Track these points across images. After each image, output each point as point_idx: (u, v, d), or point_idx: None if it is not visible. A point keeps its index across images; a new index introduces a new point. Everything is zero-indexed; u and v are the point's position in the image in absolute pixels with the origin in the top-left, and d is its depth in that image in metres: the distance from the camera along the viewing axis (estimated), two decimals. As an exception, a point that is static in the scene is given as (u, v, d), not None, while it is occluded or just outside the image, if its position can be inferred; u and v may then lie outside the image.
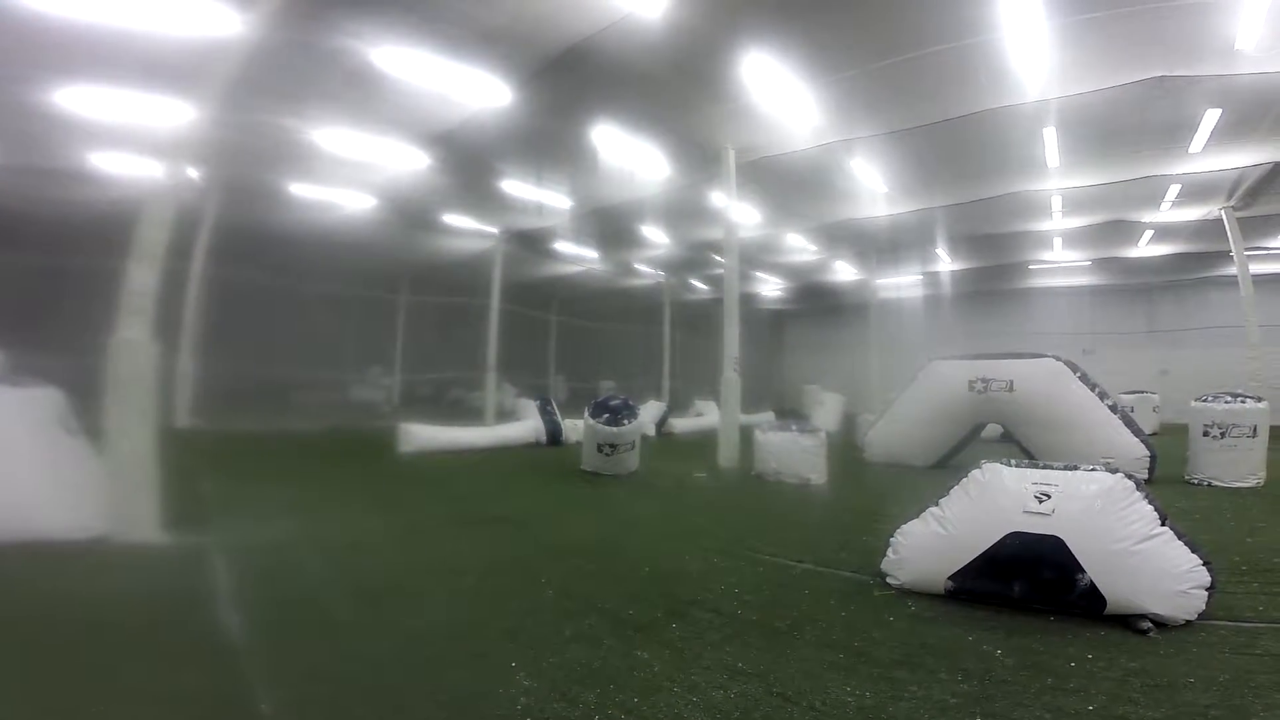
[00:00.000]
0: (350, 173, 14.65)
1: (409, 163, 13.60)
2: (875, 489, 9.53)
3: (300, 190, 15.79)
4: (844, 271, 24.97)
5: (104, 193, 14.65)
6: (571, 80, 9.97)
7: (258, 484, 8.18)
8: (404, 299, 24.19)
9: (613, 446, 9.79)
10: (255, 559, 4.95)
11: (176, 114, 11.10)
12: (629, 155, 12.70)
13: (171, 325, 12.18)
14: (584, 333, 29.09)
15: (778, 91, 10.13)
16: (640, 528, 6.78)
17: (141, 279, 5.20)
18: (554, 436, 13.61)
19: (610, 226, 18.20)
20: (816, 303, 30.41)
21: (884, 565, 4.72)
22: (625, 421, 9.88)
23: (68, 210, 15.15)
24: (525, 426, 13.58)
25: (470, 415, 17.25)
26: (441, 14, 8.49)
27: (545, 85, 10.15)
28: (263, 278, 17.17)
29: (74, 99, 11.05)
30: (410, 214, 17.22)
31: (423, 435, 11.60)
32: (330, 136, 12.53)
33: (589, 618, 3.93)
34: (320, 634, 3.66)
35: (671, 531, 6.56)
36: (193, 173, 13.25)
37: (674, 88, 10.23)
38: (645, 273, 25.19)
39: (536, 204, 16.22)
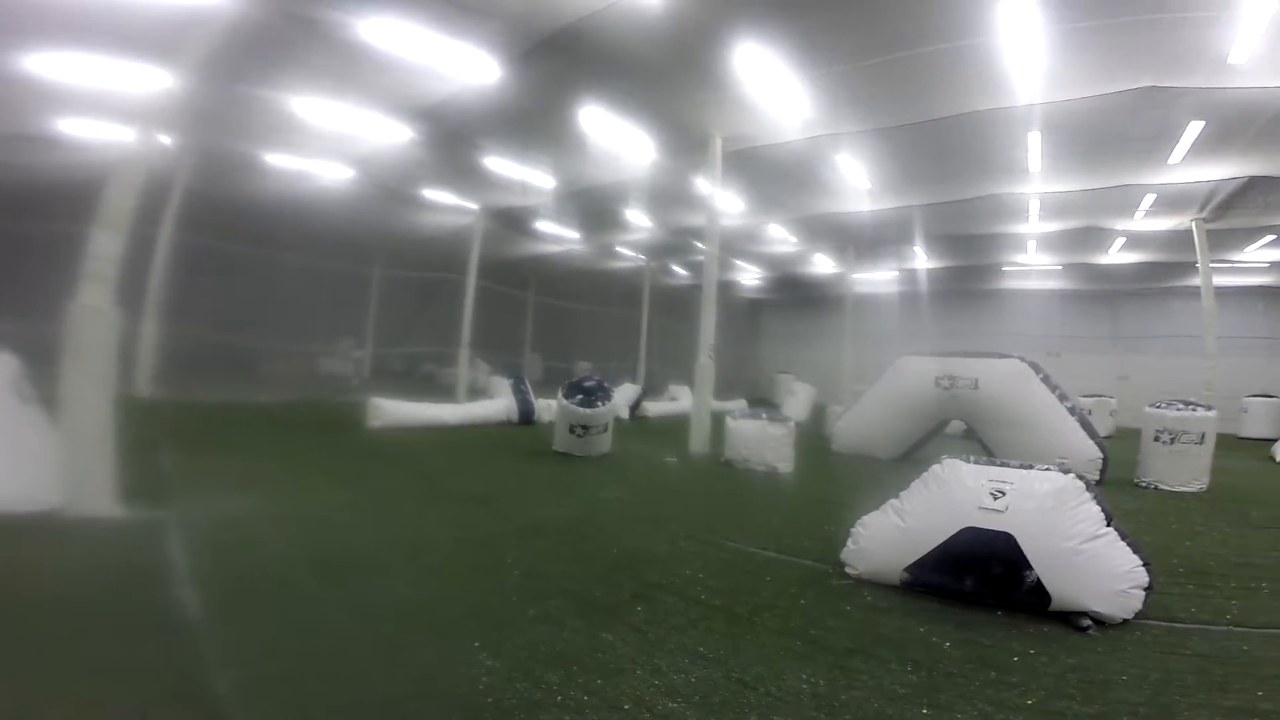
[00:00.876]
0: (329, 144, 14.31)
1: (390, 136, 13.34)
2: (840, 480, 9.73)
3: (277, 160, 15.39)
4: (822, 264, 25.19)
5: (71, 157, 14.14)
6: (563, 60, 9.86)
7: (220, 456, 8.03)
8: (378, 272, 23.82)
9: (585, 428, 9.82)
10: (215, 533, 4.88)
11: (151, 80, 10.91)
12: (615, 138, 12.60)
13: (136, 292, 11.85)
14: (561, 313, 28.96)
15: (769, 82, 10.13)
16: (609, 510, 6.83)
17: (106, 245, 5.05)
18: (526, 416, 13.59)
19: (593, 208, 18.09)
20: (794, 294, 30.67)
21: (844, 555, 4.85)
22: (599, 403, 9.91)
23: (32, 175, 14.59)
24: (497, 405, 13.55)
25: (442, 391, 17.14)
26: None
27: (535, 63, 10.01)
28: (234, 247, 16.73)
29: (45, 64, 10.61)
30: (389, 187, 16.91)
31: (392, 410, 11.50)
32: (311, 107, 12.23)
33: (555, 599, 3.96)
34: (280, 609, 3.64)
35: (640, 515, 6.62)
36: (165, 139, 12.84)
37: (666, 73, 10.17)
38: (626, 256, 25.13)
39: (519, 182, 16.05)
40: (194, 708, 2.60)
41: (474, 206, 18.44)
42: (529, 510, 6.51)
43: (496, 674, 2.97)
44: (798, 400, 18.98)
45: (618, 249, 23.96)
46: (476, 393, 17.68)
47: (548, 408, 13.48)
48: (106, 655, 2.90)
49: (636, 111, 11.73)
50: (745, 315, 33.09)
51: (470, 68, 10.19)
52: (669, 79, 10.37)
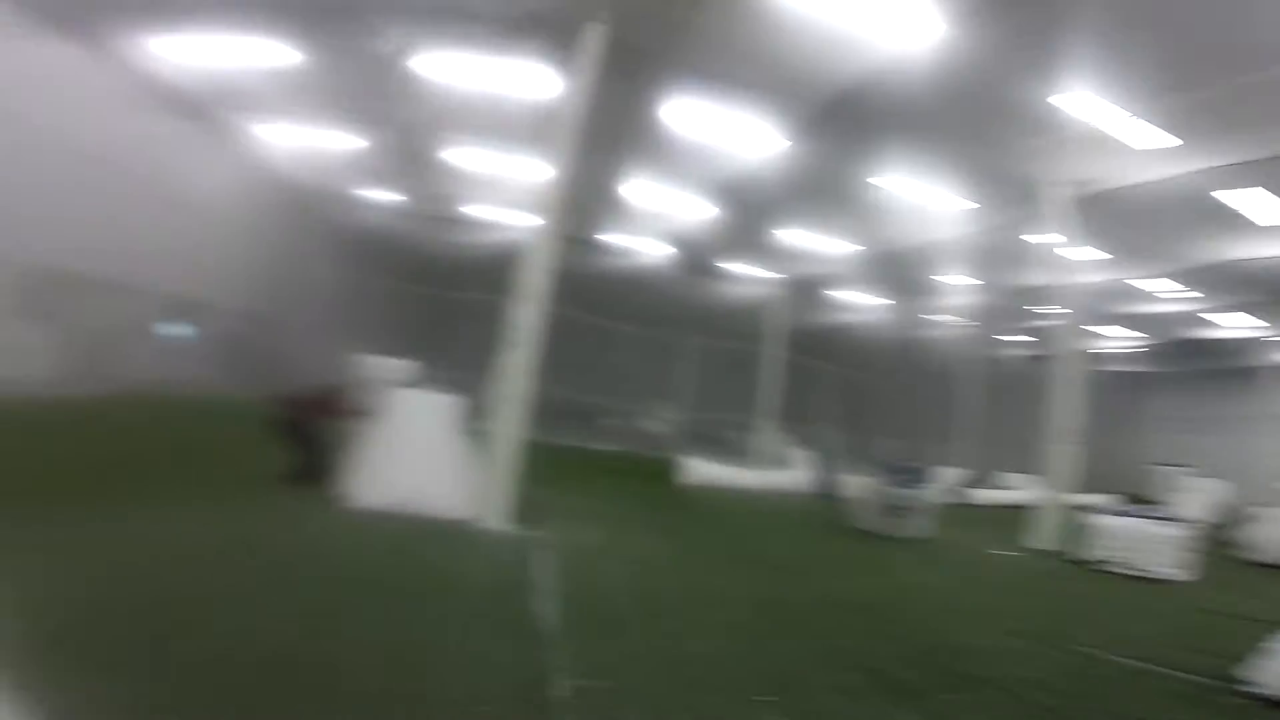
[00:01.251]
0: (650, 223, 16.40)
1: (697, 212, 14.71)
2: (1249, 591, 7.63)
3: (609, 238, 18.18)
4: (1231, 324, 19.47)
5: (480, 237, 18.73)
6: (848, 124, 9.87)
7: (573, 492, 9.33)
8: (691, 341, 25.81)
9: (899, 509, 9.10)
10: (567, 558, 5.60)
11: (528, 168, 14.13)
12: (918, 196, 11.89)
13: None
14: (866, 385, 27.47)
15: (1105, 116, 8.64)
16: (923, 594, 6.31)
17: (527, 314, 6.43)
18: (829, 489, 13.05)
19: (899, 272, 17.12)
20: (1188, 364, 24.25)
21: (1248, 670, 3.88)
22: (917, 484, 9.27)
23: (455, 250, 19.65)
24: (800, 476, 13.30)
25: (741, 457, 17.44)
26: (714, 70, 9.17)
27: (820, 131, 10.23)
28: (577, 314, 19.86)
29: (457, 156, 14.26)
30: (698, 261, 18.47)
31: (700, 470, 12.16)
32: (632, 189, 14.23)
33: (853, 672, 3.82)
34: (609, 634, 4.00)
35: (962, 606, 5.94)
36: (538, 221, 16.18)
37: (972, 122, 9.44)
38: (943, 322, 22.98)
39: (814, 250, 16.12)
40: (530, 705, 2.94)
41: (772, 276, 18.94)
42: (831, 582, 6.29)
43: None
44: (1194, 498, 14.78)
45: (932, 315, 22.06)
46: (776, 462, 17.65)
47: (851, 483, 13.01)
48: (479, 645, 3.48)
49: (941, 166, 10.98)
50: (1115, 391, 27.19)
51: (759, 141, 10.79)
52: (976, 128, 9.59)
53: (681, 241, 17.23)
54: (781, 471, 13.99)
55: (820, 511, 11.21)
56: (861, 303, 20.65)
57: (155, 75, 11.86)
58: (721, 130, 10.88)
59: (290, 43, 10.33)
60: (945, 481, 14.15)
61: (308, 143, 15.19)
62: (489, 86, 10.67)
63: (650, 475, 12.98)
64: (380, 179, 17.51)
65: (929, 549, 8.81)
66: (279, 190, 18.13)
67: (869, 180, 11.87)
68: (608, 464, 14.44)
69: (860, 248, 15.87)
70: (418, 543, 5.37)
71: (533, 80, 10.16)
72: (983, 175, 11.11)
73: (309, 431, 6.81)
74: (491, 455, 6.34)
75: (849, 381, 27.46)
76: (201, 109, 13.49)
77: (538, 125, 11.01)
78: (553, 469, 11.12)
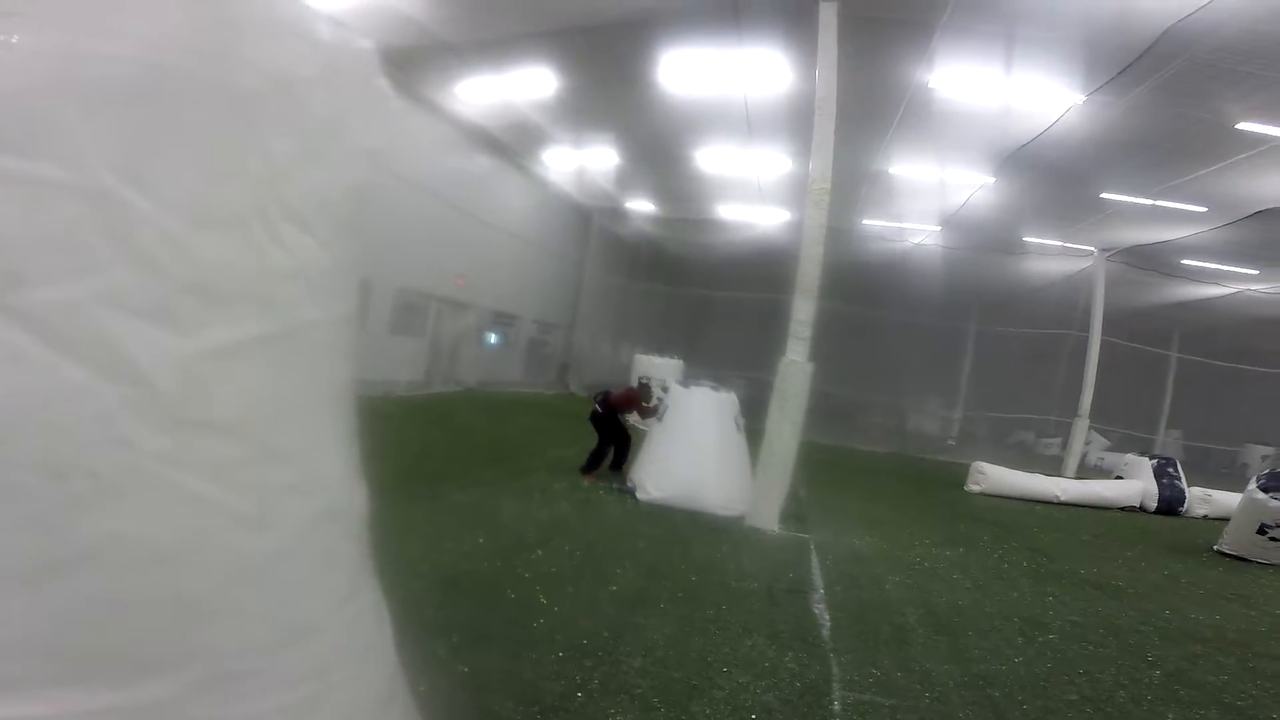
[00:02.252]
0: (920, 204, 14.93)
1: (974, 186, 13.00)
2: None
3: (872, 224, 16.98)
4: None
5: (729, 236, 19.09)
6: (1167, 73, 7.84)
7: (841, 494, 9.06)
8: (974, 328, 22.92)
9: (1285, 532, 6.99)
10: (843, 564, 5.46)
11: (776, 164, 13.97)
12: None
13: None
14: (1221, 376, 21.51)
15: None
16: None
17: (803, 309, 6.41)
18: (1171, 505, 10.61)
19: (1276, 235, 13.03)
20: None
21: None
22: None
23: (708, 252, 20.28)
24: (1129, 487, 10.97)
25: (1038, 463, 15.02)
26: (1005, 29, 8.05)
27: (1130, 84, 8.23)
28: (839, 307, 19.03)
29: (708, 160, 14.62)
30: (977, 238, 16.33)
31: (996, 476, 10.74)
32: (901, 170, 13.08)
33: (1208, 709, 3.40)
34: (893, 648, 3.79)
35: None
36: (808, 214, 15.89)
37: None
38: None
39: (1147, 212, 13.06)
40: (810, 716, 2.88)
41: (1090, 249, 15.88)
42: (1179, 610, 5.22)
43: None
44: None
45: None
46: (1087, 469, 14.90)
47: (1203, 498, 10.71)
48: (762, 652, 3.51)
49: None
50: None
51: (1051, 102, 9.30)
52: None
53: (963, 219, 15.38)
54: (1105, 482, 11.69)
55: (1163, 531, 9.18)
56: (1215, 271, 16.26)
57: (460, 117, 14.24)
58: (999, 92, 9.51)
59: (552, 70, 11.58)
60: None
61: (579, 163, 16.97)
62: (733, 84, 10.78)
63: (927, 479, 11.93)
64: (642, 190, 18.81)
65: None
66: (562, 210, 20.60)
67: (1210, 127, 9.33)
68: (878, 465, 13.59)
69: (1205, 208, 12.48)
70: (694, 538, 5.64)
71: (776, 70, 10.05)
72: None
73: (619, 424, 7.63)
74: (766, 454, 6.35)
75: (1193, 372, 21.83)
76: (497, 143, 15.89)
77: (788, 116, 10.87)
78: (822, 470, 10.85)
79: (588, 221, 21.69)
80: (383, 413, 10.05)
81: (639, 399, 7.73)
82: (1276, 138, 9.52)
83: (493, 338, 18.87)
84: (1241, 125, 9.38)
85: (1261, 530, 7.32)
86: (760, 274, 15.74)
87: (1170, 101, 9.03)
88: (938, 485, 11.25)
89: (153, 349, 0.99)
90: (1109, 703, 3.34)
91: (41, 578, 0.95)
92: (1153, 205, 12.79)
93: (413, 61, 11.58)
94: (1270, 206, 11.58)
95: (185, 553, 1.04)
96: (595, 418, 7.61)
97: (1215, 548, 7.77)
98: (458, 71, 12.11)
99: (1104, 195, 13.00)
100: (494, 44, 10.81)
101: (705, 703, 2.90)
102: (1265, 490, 7.38)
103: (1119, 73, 8.46)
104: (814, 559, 5.48)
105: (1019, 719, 3.06)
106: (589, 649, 3.26)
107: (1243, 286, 17.02)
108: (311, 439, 1.24)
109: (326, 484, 1.27)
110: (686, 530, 5.84)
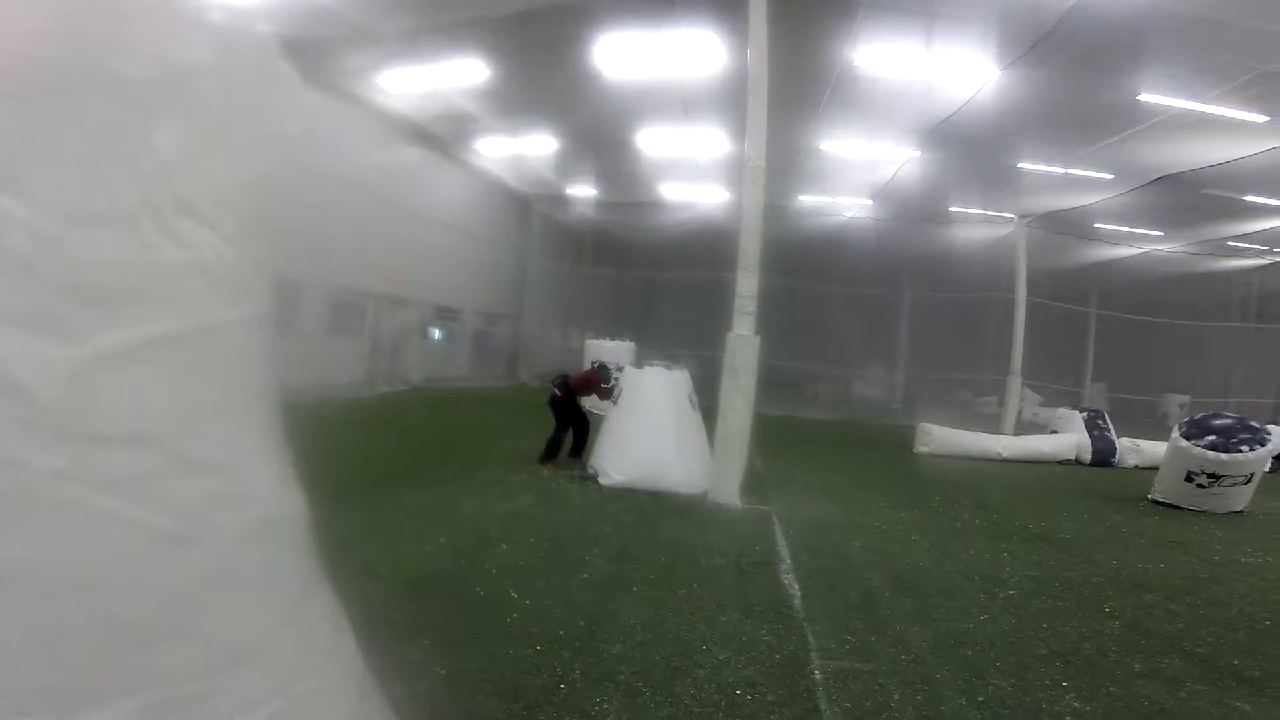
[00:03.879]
0: (851, 179, 15.31)
1: (899, 160, 13.40)
2: None
3: (807, 200, 17.29)
4: None
5: (681, 216, 19.12)
6: (1074, 47, 8.27)
7: (797, 464, 9.22)
8: (908, 296, 23.70)
9: (1213, 477, 7.47)
10: (806, 533, 5.53)
11: (714, 143, 14.01)
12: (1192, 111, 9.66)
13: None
14: (1138, 331, 22.95)
15: None
16: (1255, 577, 5.25)
17: (746, 284, 6.42)
18: (1104, 456, 11.26)
19: (1178, 199, 13.95)
20: None
21: None
22: (1245, 448, 7.43)
23: (652, 234, 20.27)
24: (1064, 441, 11.59)
25: (978, 422, 15.73)
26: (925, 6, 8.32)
27: (1042, 58, 8.72)
28: (784, 281, 19.32)
29: (644, 141, 14.54)
30: (906, 209, 16.91)
31: (941, 436, 11.15)
32: (832, 146, 13.33)
33: (1170, 657, 3.51)
34: (864, 613, 3.85)
35: None
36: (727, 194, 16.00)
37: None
38: (1249, 251, 18.40)
39: (1061, 180, 13.78)
40: (790, 687, 2.91)
41: (1010, 216, 16.62)
42: (1127, 561, 5.46)
43: (1085, 717, 2.83)
44: None
45: (1234, 244, 17.75)
46: (1024, 425, 15.67)
47: (1132, 449, 11.28)
48: (739, 627, 3.52)
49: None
50: None
51: (967, 77, 9.68)
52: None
53: (892, 192, 15.84)
54: (1043, 437, 12.31)
55: (1099, 482, 9.72)
56: (1127, 236, 17.29)
57: (388, 110, 13.70)
58: (921, 69, 9.83)
59: (482, 59, 11.31)
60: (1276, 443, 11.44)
61: (516, 151, 16.59)
62: (667, 66, 10.76)
63: (877, 444, 12.30)
64: (582, 175, 18.58)
65: (1256, 525, 7.20)
66: (500, 199, 20.14)
67: (1115, 98, 9.91)
68: (826, 433, 13.94)
69: (1113, 175, 13.24)
70: (659, 518, 5.64)
71: (709, 51, 10.10)
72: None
73: (578, 408, 7.55)
74: (721, 429, 6.38)
75: (1112, 327, 23.25)
76: (428, 134, 15.37)
77: (722, 96, 10.91)
78: (776, 441, 11.02)
79: (528, 209, 21.29)
80: (325, 417, 9.64)
81: (598, 380, 7.66)
82: (1173, 108, 10.15)
83: (436, 333, 18.37)
84: (1142, 96, 9.95)
85: (1189, 478, 7.72)
86: (705, 253, 15.84)
87: (1078, 75, 9.51)
88: (887, 449, 11.61)
89: (32, 358, 0.91)
90: (1076, 655, 3.45)
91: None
92: (1065, 174, 13.48)
93: (333, 52, 11.06)
94: (1169, 173, 12.39)
95: (108, 575, 0.98)
96: (554, 402, 7.50)
97: (1149, 497, 8.17)
98: (381, 62, 11.62)
99: (1020, 165, 13.62)
100: (418, 33, 10.40)
101: (689, 683, 2.88)
102: (1188, 438, 7.78)
103: (1030, 47, 8.85)
104: (777, 530, 5.55)
105: (996, 676, 3.13)
106: (566, 639, 3.19)
107: (1151, 247, 18.18)
108: (234, 446, 1.15)
109: (257, 493, 1.18)
110: (651, 511, 5.82)
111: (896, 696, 2.87)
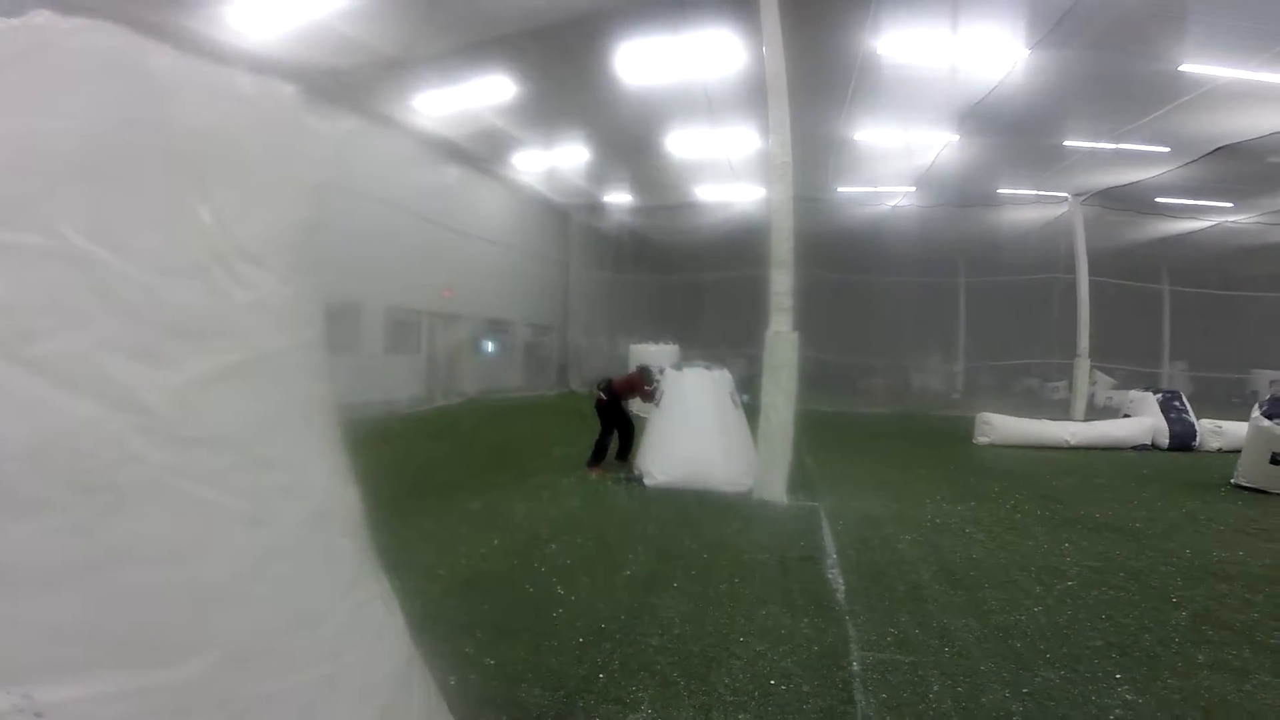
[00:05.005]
0: (891, 167, 14.97)
1: (940, 144, 13.04)
2: None
3: (847, 191, 16.98)
4: None
5: (709, 217, 19.13)
6: (1102, 21, 8.06)
7: (849, 459, 9.10)
8: (964, 282, 22.89)
9: (1301, 458, 6.97)
10: (856, 528, 5.49)
11: (744, 142, 13.92)
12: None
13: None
14: (1217, 305, 21.48)
15: None
16: None
17: (782, 280, 6.40)
18: (1183, 440, 10.64)
19: (1244, 169, 13.09)
20: None
21: None
22: None
23: (690, 236, 20.32)
24: (1138, 425, 11.00)
25: (1047, 409, 15.08)
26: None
27: (1070, 34, 8.54)
28: (827, 274, 19.02)
29: (674, 144, 14.56)
30: (951, 194, 16.41)
31: (1003, 426, 10.78)
32: (863, 135, 13.06)
33: (1239, 649, 3.33)
34: (909, 606, 3.80)
35: None
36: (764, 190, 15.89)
37: None
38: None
39: (1112, 156, 13.13)
40: (826, 678, 2.92)
41: (1063, 195, 15.91)
42: (1201, 549, 5.18)
43: (1137, 710, 2.71)
44: None
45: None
46: (1096, 410, 14.94)
47: (1215, 431, 10.69)
48: (776, 620, 3.55)
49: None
50: None
51: (995, 57, 9.58)
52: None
53: (935, 177, 15.42)
54: (1114, 422, 11.69)
55: (1177, 467, 9.21)
56: (1193, 209, 16.30)
57: (426, 132, 14.20)
58: (945, 52, 9.62)
59: (509, 76, 11.63)
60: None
61: (550, 164, 16.92)
62: (689, 69, 10.84)
63: (938, 436, 11.97)
64: (617, 182, 18.80)
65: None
66: (540, 211, 20.57)
67: (1156, 70, 9.45)
68: (881, 428, 13.65)
69: (1169, 149, 12.55)
70: (703, 516, 5.68)
71: (727, 51, 10.15)
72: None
73: (623, 411, 7.71)
74: (764, 426, 6.37)
75: (1187, 304, 21.83)
76: (466, 153, 15.85)
77: (746, 94, 10.87)
78: (828, 437, 10.89)
79: (566, 220, 21.66)
80: (387, 431, 10.09)
81: (641, 382, 7.77)
82: (1219, 77, 9.60)
83: (489, 346, 18.88)
84: (1184, 67, 9.50)
85: (1275, 460, 7.24)
86: (744, 251, 15.77)
87: (1113, 48, 9.17)
88: (946, 441, 11.29)
89: (147, 382, 1.18)
90: (1135, 646, 3.32)
91: (81, 575, 1.14)
92: (1115, 149, 12.88)
93: (368, 82, 11.59)
94: (1229, 143, 11.69)
95: (195, 548, 1.22)
96: (600, 405, 7.66)
97: (1232, 481, 7.72)
98: (413, 86, 12.09)
99: (1067, 143, 13.09)
100: (445, 56, 10.81)
101: (724, 672, 2.94)
102: (1270, 417, 7.31)
103: (1056, 23, 8.57)
104: (824, 525, 5.51)
105: (1043, 668, 3.05)
106: (607, 632, 3.30)
107: (1221, 219, 17.08)
108: (296, 448, 1.40)
109: (315, 487, 1.41)
110: (695, 510, 5.88)
111: (936, 688, 2.85)
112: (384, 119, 13.23)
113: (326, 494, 1.44)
